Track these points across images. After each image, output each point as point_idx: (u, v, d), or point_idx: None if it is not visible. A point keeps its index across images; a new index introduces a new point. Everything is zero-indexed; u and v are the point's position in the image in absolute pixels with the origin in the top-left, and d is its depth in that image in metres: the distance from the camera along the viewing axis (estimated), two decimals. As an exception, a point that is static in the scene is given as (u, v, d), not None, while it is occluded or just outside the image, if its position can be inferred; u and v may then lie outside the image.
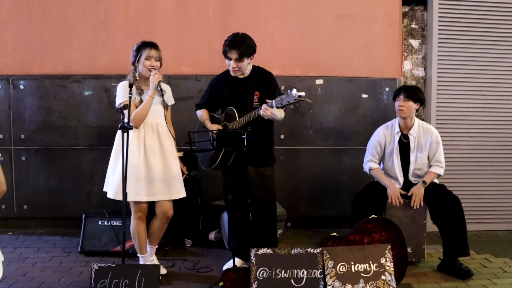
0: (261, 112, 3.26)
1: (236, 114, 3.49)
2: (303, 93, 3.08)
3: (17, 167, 4.63)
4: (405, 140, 3.92)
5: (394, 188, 3.84)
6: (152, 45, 3.40)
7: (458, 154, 4.84)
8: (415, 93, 3.86)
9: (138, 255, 3.57)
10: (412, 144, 3.90)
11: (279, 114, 3.36)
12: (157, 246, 3.69)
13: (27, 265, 3.81)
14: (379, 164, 4.04)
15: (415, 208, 3.81)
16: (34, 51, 4.62)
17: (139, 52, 3.38)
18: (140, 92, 3.40)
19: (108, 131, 4.50)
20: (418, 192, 3.82)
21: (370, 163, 3.98)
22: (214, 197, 4.52)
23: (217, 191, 4.28)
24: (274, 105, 3.20)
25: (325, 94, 4.76)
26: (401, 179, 3.94)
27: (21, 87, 4.59)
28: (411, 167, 3.91)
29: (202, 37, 4.67)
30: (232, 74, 3.56)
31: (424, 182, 3.86)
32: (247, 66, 3.55)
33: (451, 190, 3.84)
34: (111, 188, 3.43)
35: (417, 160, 3.90)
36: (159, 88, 3.35)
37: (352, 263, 3.22)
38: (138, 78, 3.44)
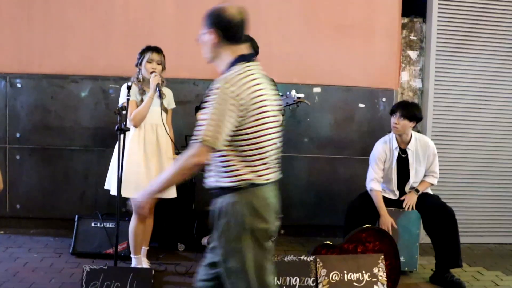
0: None
1: None
2: (302, 95, 3.11)
3: (11, 166, 4.60)
4: (403, 155, 3.92)
5: (387, 218, 3.79)
6: (155, 49, 3.55)
7: (453, 166, 4.85)
8: (411, 112, 3.80)
9: (131, 255, 3.59)
10: (410, 159, 3.90)
11: None
12: (148, 247, 3.75)
13: (18, 265, 3.78)
14: None
15: (406, 209, 3.83)
16: (33, 50, 4.60)
17: (142, 55, 3.54)
18: (142, 93, 3.55)
19: (104, 132, 4.51)
20: (411, 198, 3.86)
21: (373, 183, 3.89)
22: (208, 202, 4.49)
23: (211, 196, 4.26)
24: None
25: (322, 102, 4.77)
26: (397, 192, 3.96)
27: (18, 85, 4.58)
28: (411, 180, 3.91)
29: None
30: None
31: (416, 190, 3.89)
32: None
33: (445, 202, 3.85)
34: (113, 185, 3.50)
35: (417, 174, 3.91)
36: (157, 90, 3.45)
37: (345, 272, 3.22)
38: (141, 80, 3.56)
